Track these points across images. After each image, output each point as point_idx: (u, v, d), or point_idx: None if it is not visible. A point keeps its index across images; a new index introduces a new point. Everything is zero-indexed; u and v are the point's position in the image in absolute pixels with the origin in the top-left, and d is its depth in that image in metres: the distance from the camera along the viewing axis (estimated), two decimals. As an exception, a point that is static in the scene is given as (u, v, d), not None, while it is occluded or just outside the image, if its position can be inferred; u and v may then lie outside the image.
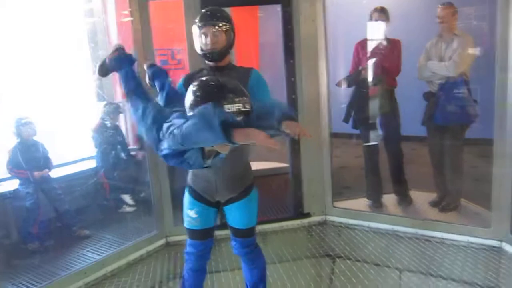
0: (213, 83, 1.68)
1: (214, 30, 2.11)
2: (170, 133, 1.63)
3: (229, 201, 2.25)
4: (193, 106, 1.65)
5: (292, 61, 3.75)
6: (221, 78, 1.77)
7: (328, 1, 3.76)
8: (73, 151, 4.69)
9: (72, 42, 4.68)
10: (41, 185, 3.84)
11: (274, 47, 4.01)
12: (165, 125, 1.70)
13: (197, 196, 2.24)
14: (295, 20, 3.71)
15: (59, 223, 4.06)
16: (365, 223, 3.81)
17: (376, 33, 3.83)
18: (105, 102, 4.68)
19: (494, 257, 3.17)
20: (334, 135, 3.97)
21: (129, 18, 3.46)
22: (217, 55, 2.16)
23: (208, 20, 2.13)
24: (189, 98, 1.69)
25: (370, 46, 3.90)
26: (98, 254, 3.55)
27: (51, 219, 3.99)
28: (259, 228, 3.89)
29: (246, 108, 1.59)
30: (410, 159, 4.33)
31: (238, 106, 1.57)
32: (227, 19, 2.17)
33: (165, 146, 1.72)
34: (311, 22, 3.73)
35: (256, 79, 2.20)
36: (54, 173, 4.08)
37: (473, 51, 3.60)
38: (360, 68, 3.95)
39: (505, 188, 3.16)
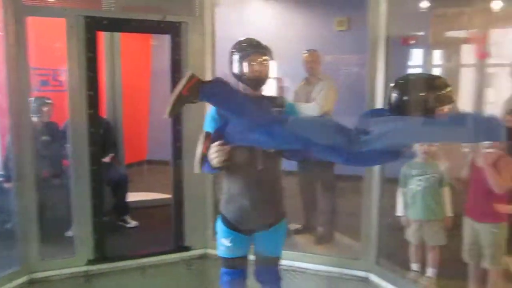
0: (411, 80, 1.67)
1: (261, 58, 2.21)
2: (395, 134, 1.55)
3: (262, 229, 2.28)
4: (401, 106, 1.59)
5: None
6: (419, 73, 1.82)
7: (219, 34, 3.83)
8: None
9: None
10: None
11: (167, 75, 3.97)
12: (383, 124, 1.60)
13: (230, 225, 2.27)
14: (183, 52, 3.72)
15: None
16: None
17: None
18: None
19: (362, 287, 3.38)
20: (219, 167, 3.98)
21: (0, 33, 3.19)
22: (262, 82, 2.25)
23: (257, 48, 2.23)
24: (398, 97, 1.62)
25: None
26: None
27: None
28: (138, 262, 3.73)
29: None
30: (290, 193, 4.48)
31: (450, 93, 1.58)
32: (269, 51, 2.28)
33: (371, 146, 1.60)
34: (199, 54, 3.76)
35: (291, 108, 2.33)
36: None
37: (335, 93, 3.90)
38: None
39: (372, 222, 3.41)
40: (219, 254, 2.37)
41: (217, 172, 2.28)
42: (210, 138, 2.02)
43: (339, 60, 6.02)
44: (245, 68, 2.21)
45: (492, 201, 2.79)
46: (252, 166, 2.18)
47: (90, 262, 3.59)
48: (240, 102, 1.95)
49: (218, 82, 2.01)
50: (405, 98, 1.62)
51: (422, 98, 1.56)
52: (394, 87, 1.67)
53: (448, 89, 1.59)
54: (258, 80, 2.25)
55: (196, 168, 2.06)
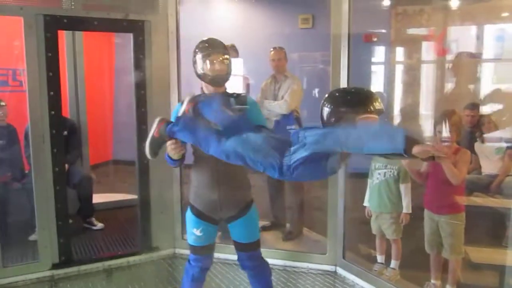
0: (352, 92, 1.79)
1: (222, 57, 2.32)
2: (320, 139, 1.63)
3: (232, 218, 2.41)
4: (337, 116, 1.67)
5: (143, 91, 3.69)
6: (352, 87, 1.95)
7: (183, 33, 3.81)
8: None
9: None
10: None
11: (130, 74, 3.91)
12: (308, 134, 1.69)
13: (200, 215, 2.40)
14: (147, 50, 3.68)
15: None
16: (215, 255, 3.80)
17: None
18: None
19: (329, 281, 3.44)
20: (186, 166, 3.96)
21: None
22: (223, 80, 2.37)
23: (218, 48, 2.34)
24: (328, 110, 1.70)
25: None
26: None
27: None
28: (104, 264, 3.68)
29: (381, 107, 1.66)
30: (260, 189, 4.51)
31: (379, 107, 1.64)
32: (228, 51, 2.41)
33: (298, 155, 1.69)
34: (163, 53, 3.73)
35: (253, 104, 2.40)
36: None
37: (301, 90, 3.96)
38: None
39: (338, 216, 3.47)
40: (189, 242, 2.47)
41: (178, 165, 2.40)
42: (163, 123, 2.18)
43: (303, 57, 6.10)
44: (206, 67, 2.32)
45: (449, 193, 2.90)
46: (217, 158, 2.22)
47: (55, 266, 3.51)
48: (203, 136, 2.05)
49: (180, 121, 2.15)
50: (335, 111, 1.69)
51: (351, 111, 1.65)
52: (324, 102, 1.74)
53: (377, 102, 1.66)
54: (219, 78, 2.35)
55: (147, 152, 2.21)
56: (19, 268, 3.45)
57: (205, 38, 2.41)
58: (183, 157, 2.32)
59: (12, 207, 3.99)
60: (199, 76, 2.39)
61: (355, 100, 1.70)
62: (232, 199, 2.38)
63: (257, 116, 2.35)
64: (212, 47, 2.34)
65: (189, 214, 2.45)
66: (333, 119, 1.69)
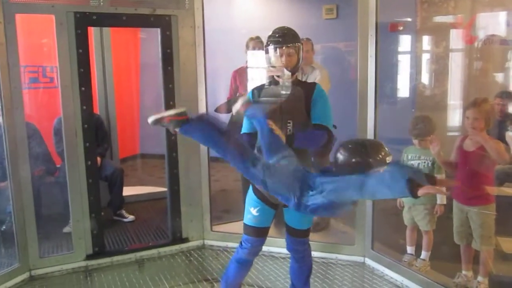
0: (359, 145, 1.90)
1: (289, 51, 2.37)
2: (338, 189, 1.80)
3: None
4: (349, 166, 1.83)
5: (171, 85, 3.74)
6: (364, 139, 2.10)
7: (208, 27, 3.84)
8: None
9: None
10: None
11: (155, 69, 3.97)
12: (325, 181, 1.84)
13: (260, 195, 2.45)
14: (174, 45, 3.72)
15: None
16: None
17: (253, 61, 4.00)
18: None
19: (358, 271, 3.45)
20: (213, 159, 4.02)
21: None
22: (292, 72, 2.41)
23: (285, 41, 2.38)
24: (342, 159, 1.86)
25: (247, 73, 4.05)
26: None
27: None
28: (136, 255, 3.77)
29: (390, 159, 1.82)
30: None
31: (388, 158, 1.80)
32: (298, 39, 2.44)
33: (316, 200, 1.87)
34: (190, 47, 3.77)
35: (319, 93, 2.44)
36: None
37: (328, 82, 3.94)
38: (238, 94, 4.08)
39: (366, 207, 3.47)
40: (245, 222, 2.54)
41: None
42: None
43: (327, 48, 6.06)
44: (276, 59, 2.40)
45: (478, 184, 2.85)
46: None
47: (89, 257, 3.62)
48: (218, 143, 2.11)
49: (199, 123, 2.16)
50: (350, 159, 1.85)
51: (364, 161, 1.81)
52: (339, 148, 1.90)
53: (385, 153, 1.82)
54: (288, 70, 2.39)
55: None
56: (55, 259, 3.57)
57: (277, 29, 2.46)
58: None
59: (46, 200, 4.10)
60: (270, 66, 2.44)
61: (367, 152, 1.83)
62: None
63: (320, 110, 2.40)
64: (281, 39, 2.38)
65: (250, 193, 2.52)
66: (348, 168, 1.84)
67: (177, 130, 2.14)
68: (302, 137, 2.35)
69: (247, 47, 4.11)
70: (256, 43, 4.06)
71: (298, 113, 2.39)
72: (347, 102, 3.79)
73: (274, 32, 2.45)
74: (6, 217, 3.63)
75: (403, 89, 5.63)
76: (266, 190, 2.06)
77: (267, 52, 2.45)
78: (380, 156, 1.80)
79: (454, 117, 4.83)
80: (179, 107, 2.17)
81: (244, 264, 2.61)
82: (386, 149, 1.84)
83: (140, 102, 6.96)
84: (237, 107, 2.32)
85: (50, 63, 4.77)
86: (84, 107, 3.49)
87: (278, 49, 2.38)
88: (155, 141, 5.37)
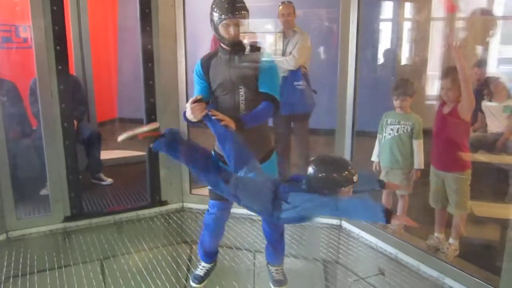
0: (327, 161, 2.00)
1: (236, 21, 2.29)
2: (312, 208, 1.92)
3: None
4: (317, 181, 1.94)
5: (149, 46, 3.66)
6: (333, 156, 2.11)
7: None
8: None
9: None
10: None
11: (134, 31, 3.87)
12: (299, 198, 1.93)
13: (222, 160, 2.36)
14: (153, 5, 3.62)
15: None
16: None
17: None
18: None
19: (335, 234, 3.54)
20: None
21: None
22: (238, 45, 2.35)
23: (233, 12, 2.26)
24: (315, 179, 1.95)
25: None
26: None
27: None
28: (114, 218, 3.78)
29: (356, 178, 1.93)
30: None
31: (355, 178, 1.92)
32: (246, 9, 2.34)
33: (289, 214, 1.97)
34: (169, 8, 3.68)
35: (265, 60, 2.40)
36: None
37: (309, 46, 3.92)
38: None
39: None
40: (209, 187, 2.53)
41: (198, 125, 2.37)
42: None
43: (309, 14, 5.99)
44: (224, 30, 2.30)
45: (454, 151, 2.92)
46: (236, 111, 2.38)
47: (67, 219, 3.61)
48: (191, 159, 2.18)
49: (173, 139, 2.18)
50: (319, 175, 1.96)
51: (333, 177, 1.93)
52: (311, 163, 1.99)
53: (351, 172, 1.93)
54: (235, 42, 2.34)
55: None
56: (32, 221, 3.55)
57: None
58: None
59: (22, 163, 4.04)
60: (216, 34, 2.37)
61: (334, 168, 1.95)
62: (253, 147, 2.34)
63: (266, 77, 2.37)
64: (230, 8, 2.27)
65: (214, 158, 2.48)
66: (316, 182, 1.94)
67: (150, 145, 2.16)
68: (249, 119, 2.32)
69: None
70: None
71: (248, 80, 2.37)
72: (328, 68, 3.79)
73: (220, 0, 2.31)
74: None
75: (384, 56, 5.64)
76: (239, 205, 2.12)
77: (212, 20, 2.34)
78: (346, 173, 1.92)
79: (433, 86, 4.88)
80: (153, 125, 2.20)
81: (215, 229, 2.65)
82: (352, 169, 1.95)
83: (118, 65, 6.82)
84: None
85: (24, 23, 4.61)
86: (60, 67, 3.40)
87: (225, 19, 2.28)
88: (133, 105, 5.29)
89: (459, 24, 4.86)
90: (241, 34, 2.35)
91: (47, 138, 3.46)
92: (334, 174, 1.93)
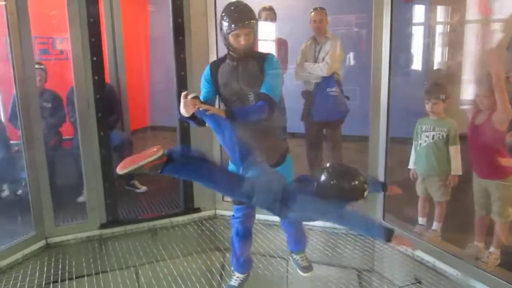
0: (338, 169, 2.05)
1: (246, 31, 2.29)
2: (318, 212, 2.01)
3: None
4: (327, 188, 1.95)
5: (182, 55, 3.72)
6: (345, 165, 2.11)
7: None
8: None
9: None
10: None
11: (165, 41, 3.94)
12: (307, 201, 1.98)
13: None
14: (185, 14, 3.68)
15: None
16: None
17: (264, 32, 3.96)
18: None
19: (370, 242, 3.48)
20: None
21: (2, 2, 3.14)
22: (246, 52, 2.36)
23: (243, 22, 2.28)
24: (323, 180, 1.97)
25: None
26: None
27: None
28: (149, 225, 3.83)
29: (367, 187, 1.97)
30: (297, 154, 4.53)
31: (366, 188, 1.95)
32: (255, 17, 2.37)
33: (297, 214, 2.04)
34: (201, 17, 3.73)
35: (270, 63, 2.41)
36: None
37: (342, 52, 3.89)
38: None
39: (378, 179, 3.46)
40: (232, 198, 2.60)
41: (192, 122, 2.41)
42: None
43: (341, 20, 5.96)
44: (232, 39, 2.32)
45: (493, 159, 2.81)
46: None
47: (103, 226, 3.68)
48: (205, 174, 2.13)
49: (179, 164, 2.09)
50: (331, 182, 1.96)
51: (343, 186, 1.94)
52: (323, 170, 2.01)
53: (361, 181, 1.95)
54: (244, 51, 2.36)
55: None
56: (70, 227, 3.64)
57: (233, 1, 2.36)
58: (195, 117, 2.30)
59: (60, 170, 4.15)
60: (225, 42, 2.39)
61: (345, 177, 1.97)
62: (267, 151, 2.36)
63: (268, 79, 2.37)
64: (240, 18, 2.28)
65: (230, 167, 2.52)
66: (326, 189, 1.95)
67: (158, 172, 2.02)
68: (239, 113, 2.34)
69: (259, 17, 4.05)
70: (268, 13, 3.99)
71: (256, 85, 2.37)
72: (357, 73, 3.76)
73: (230, 9, 2.33)
74: (22, 181, 3.68)
75: (417, 61, 5.55)
76: (253, 205, 2.20)
77: (222, 29, 2.35)
78: (357, 182, 1.94)
79: (468, 91, 4.77)
80: (157, 152, 1.98)
81: (243, 235, 2.65)
82: (362, 178, 1.96)
83: (150, 74, 6.94)
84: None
85: (60, 35, 4.76)
86: (96, 77, 3.49)
87: (235, 29, 2.28)
88: (165, 113, 5.36)
89: (494, 26, 4.75)
90: (249, 44, 2.34)
91: (84, 146, 3.55)
92: (346, 185, 1.94)
